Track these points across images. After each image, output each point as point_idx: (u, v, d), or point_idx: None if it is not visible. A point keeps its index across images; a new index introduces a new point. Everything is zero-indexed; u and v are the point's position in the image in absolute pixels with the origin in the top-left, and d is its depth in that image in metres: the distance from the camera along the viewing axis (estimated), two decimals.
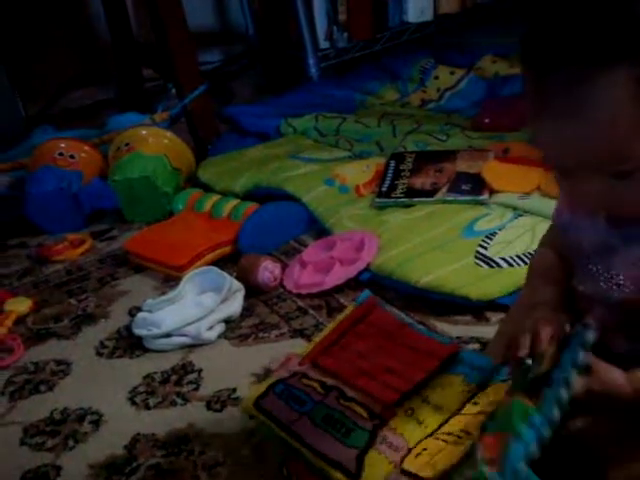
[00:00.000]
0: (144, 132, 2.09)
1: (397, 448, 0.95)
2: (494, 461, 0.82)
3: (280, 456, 1.06)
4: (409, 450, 0.95)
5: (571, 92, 0.80)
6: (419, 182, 1.79)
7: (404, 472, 0.92)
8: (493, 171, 1.74)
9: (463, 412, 0.97)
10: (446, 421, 0.97)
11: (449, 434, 0.94)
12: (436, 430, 0.96)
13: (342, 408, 1.01)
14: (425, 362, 1.07)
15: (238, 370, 1.36)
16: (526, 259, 1.45)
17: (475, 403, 0.98)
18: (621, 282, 0.92)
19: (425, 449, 0.93)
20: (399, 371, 1.06)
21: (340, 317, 1.19)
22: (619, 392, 0.87)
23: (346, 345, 1.12)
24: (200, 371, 1.38)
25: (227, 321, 1.49)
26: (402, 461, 0.93)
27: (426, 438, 0.95)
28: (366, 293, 1.24)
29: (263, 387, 1.08)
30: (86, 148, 2.10)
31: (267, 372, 1.33)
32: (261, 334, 1.46)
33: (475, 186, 1.72)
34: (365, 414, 0.99)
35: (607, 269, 0.94)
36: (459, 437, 0.93)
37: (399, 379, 1.04)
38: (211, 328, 1.46)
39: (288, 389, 1.06)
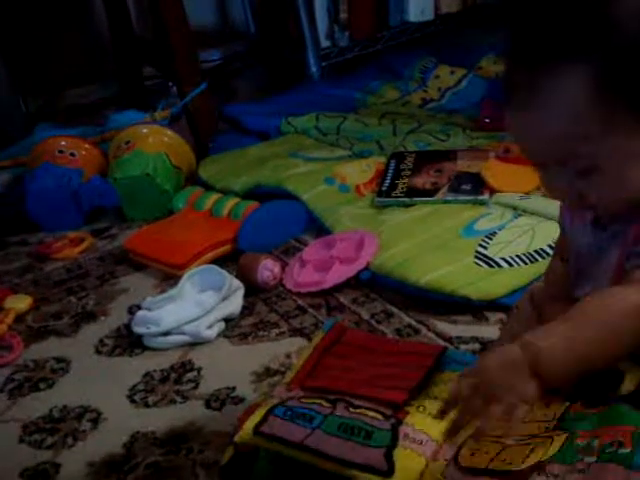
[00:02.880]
0: (144, 130, 2.09)
1: (422, 442, 0.96)
2: (623, 445, 0.83)
3: None
4: (435, 442, 0.96)
5: (529, 85, 0.84)
6: (419, 182, 1.79)
7: (463, 468, 0.92)
8: (493, 171, 1.74)
9: None
10: None
11: (499, 437, 0.92)
12: None
13: (355, 416, 1.00)
14: (419, 361, 1.08)
15: (237, 369, 1.36)
16: (526, 259, 1.45)
17: None
18: (604, 284, 0.93)
19: (477, 449, 0.92)
20: (396, 374, 1.07)
21: (312, 344, 1.20)
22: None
23: (329, 366, 1.13)
24: (199, 369, 1.38)
25: (227, 320, 1.49)
26: (455, 458, 0.93)
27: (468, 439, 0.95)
28: (332, 320, 1.26)
29: (258, 417, 1.05)
30: (86, 146, 2.10)
31: (267, 371, 1.33)
32: (261, 333, 1.46)
33: (475, 186, 1.72)
34: (379, 417, 0.99)
35: (594, 275, 0.95)
36: (521, 440, 0.92)
37: (399, 381, 1.05)
38: (211, 326, 1.45)
39: (290, 409, 1.03)
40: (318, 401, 1.04)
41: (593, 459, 0.84)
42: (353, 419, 1.00)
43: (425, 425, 0.98)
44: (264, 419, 1.03)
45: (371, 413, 1.00)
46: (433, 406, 1.00)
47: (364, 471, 0.94)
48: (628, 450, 0.82)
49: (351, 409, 1.02)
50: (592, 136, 0.83)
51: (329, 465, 0.96)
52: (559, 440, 0.89)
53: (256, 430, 1.02)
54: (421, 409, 1.01)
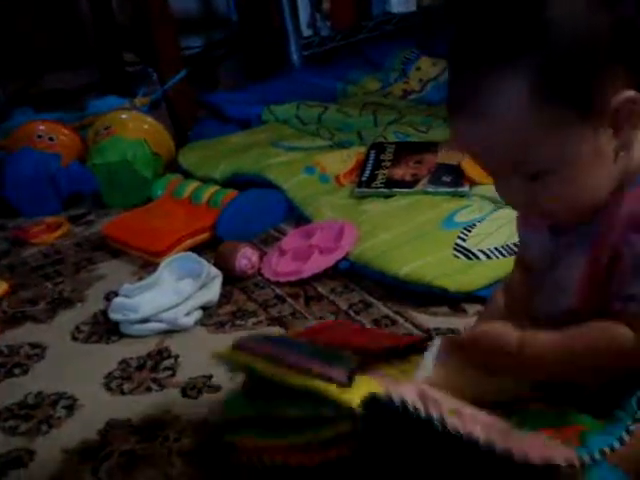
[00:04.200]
0: (124, 116, 2.08)
1: (383, 377, 0.98)
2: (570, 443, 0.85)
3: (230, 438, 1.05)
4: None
5: (471, 93, 0.84)
6: (399, 173, 1.79)
7: None
8: (474, 163, 1.74)
9: None
10: None
11: None
12: None
13: (330, 350, 1.01)
14: (398, 340, 1.11)
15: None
16: (504, 251, 1.45)
17: None
18: (565, 292, 0.94)
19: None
20: (375, 343, 1.10)
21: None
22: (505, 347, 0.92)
23: (313, 338, 1.14)
24: (176, 357, 1.38)
25: (204, 308, 1.49)
26: None
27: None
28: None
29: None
30: (65, 131, 2.09)
31: None
32: (238, 321, 1.46)
33: (455, 178, 1.72)
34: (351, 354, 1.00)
35: (555, 280, 0.95)
36: None
37: (377, 345, 1.08)
38: (188, 314, 1.45)
39: (270, 338, 1.08)
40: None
41: None
42: (327, 350, 1.01)
43: (391, 374, 1.00)
44: (245, 340, 1.08)
45: (345, 352, 1.01)
46: (403, 367, 1.04)
47: (324, 380, 0.93)
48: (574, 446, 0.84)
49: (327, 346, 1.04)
50: (538, 139, 0.83)
51: (291, 375, 0.96)
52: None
53: (235, 346, 1.05)
54: (390, 365, 1.04)
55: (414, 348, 1.09)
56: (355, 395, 0.90)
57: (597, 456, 0.83)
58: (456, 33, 0.87)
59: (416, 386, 0.91)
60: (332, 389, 0.91)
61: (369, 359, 1.02)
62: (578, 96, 0.82)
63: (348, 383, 0.92)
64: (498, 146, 0.85)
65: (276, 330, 1.40)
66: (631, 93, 0.83)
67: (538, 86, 0.81)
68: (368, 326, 1.38)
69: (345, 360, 0.97)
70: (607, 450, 0.83)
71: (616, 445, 0.84)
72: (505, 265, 1.42)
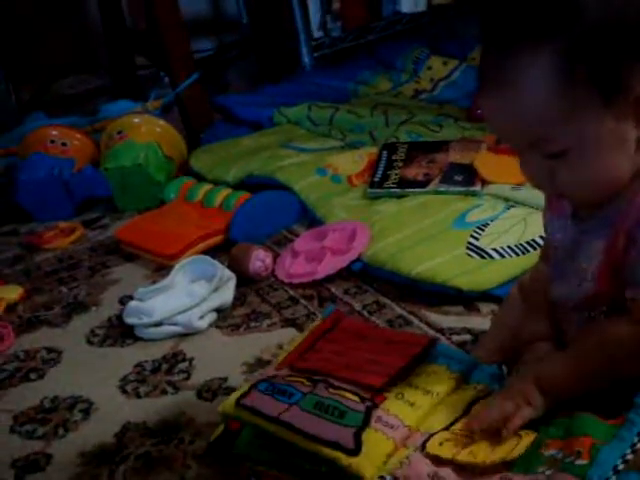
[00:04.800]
0: (137, 120, 2.09)
1: (393, 426, 0.97)
2: (580, 455, 0.84)
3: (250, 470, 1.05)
4: (407, 428, 0.97)
5: (499, 69, 0.86)
6: (411, 172, 1.79)
7: (428, 455, 0.93)
8: (486, 162, 1.74)
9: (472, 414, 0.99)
10: (456, 421, 0.98)
11: (471, 432, 0.95)
12: (449, 426, 0.98)
13: (332, 395, 1.01)
14: (406, 350, 1.09)
15: (229, 359, 1.35)
16: (518, 250, 1.45)
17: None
18: (586, 277, 0.94)
19: (448, 440, 0.94)
20: (381, 360, 1.08)
21: (309, 329, 1.21)
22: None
23: (320, 349, 1.14)
24: (191, 360, 1.38)
25: (218, 310, 1.49)
26: (424, 446, 0.94)
27: (442, 431, 0.97)
28: (332, 307, 1.27)
29: (242, 390, 1.07)
30: (78, 135, 2.10)
31: (258, 361, 1.33)
32: (252, 323, 1.46)
33: (467, 177, 1.72)
34: (356, 399, 1.00)
35: (575, 266, 0.95)
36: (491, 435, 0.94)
37: (383, 366, 1.06)
38: (202, 317, 1.45)
39: (273, 385, 1.05)
40: (300, 380, 1.06)
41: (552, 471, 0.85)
42: (330, 398, 1.01)
43: (400, 411, 0.99)
44: (247, 392, 1.05)
45: (349, 395, 1.01)
46: (412, 395, 1.02)
47: (331, 447, 0.94)
48: (585, 462, 0.84)
49: (330, 389, 1.03)
50: (561, 119, 0.85)
51: (299, 440, 0.97)
52: (527, 439, 0.91)
53: (238, 402, 1.04)
54: (400, 396, 1.02)
55: (421, 356, 1.09)
56: (364, 462, 0.92)
57: (612, 477, 0.82)
58: (488, 12, 0.89)
59: (428, 467, 0.91)
60: (341, 457, 0.93)
61: (376, 396, 1.02)
62: (603, 80, 0.83)
63: (355, 450, 0.93)
64: (522, 122, 0.87)
65: (290, 332, 1.40)
66: None
67: (565, 67, 0.82)
68: (382, 326, 1.38)
69: (350, 414, 0.98)
70: (621, 466, 0.82)
71: (629, 456, 0.83)
72: (519, 263, 1.42)
